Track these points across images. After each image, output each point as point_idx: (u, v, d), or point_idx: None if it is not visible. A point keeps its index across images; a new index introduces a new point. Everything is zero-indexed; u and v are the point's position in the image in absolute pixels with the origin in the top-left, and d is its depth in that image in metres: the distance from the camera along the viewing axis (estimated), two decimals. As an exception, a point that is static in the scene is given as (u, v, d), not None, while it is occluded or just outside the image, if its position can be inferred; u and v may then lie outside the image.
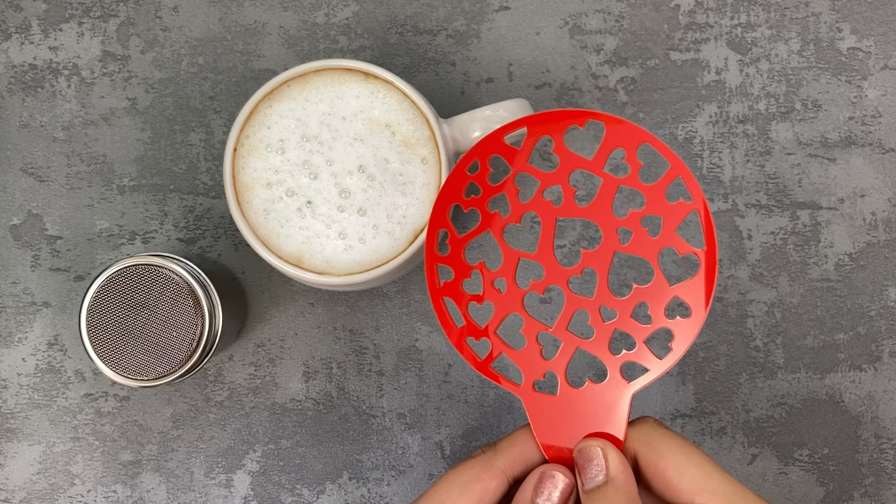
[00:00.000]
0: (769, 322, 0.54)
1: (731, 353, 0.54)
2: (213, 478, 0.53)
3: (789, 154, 0.54)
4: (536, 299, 0.52)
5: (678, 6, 0.54)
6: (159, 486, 0.53)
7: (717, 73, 0.54)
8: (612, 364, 0.37)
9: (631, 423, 0.37)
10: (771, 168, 0.54)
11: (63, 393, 0.53)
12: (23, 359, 0.53)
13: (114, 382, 0.53)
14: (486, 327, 0.38)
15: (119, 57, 0.53)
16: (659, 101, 0.54)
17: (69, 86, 0.53)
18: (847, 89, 0.54)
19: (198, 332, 0.45)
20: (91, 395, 0.53)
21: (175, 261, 0.45)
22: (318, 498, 0.53)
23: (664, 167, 0.38)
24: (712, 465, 0.35)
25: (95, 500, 0.53)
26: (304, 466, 0.53)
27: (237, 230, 0.53)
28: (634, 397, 0.53)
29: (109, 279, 0.45)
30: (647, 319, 0.37)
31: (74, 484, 0.53)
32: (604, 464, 0.35)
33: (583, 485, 0.36)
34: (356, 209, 0.45)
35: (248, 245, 0.52)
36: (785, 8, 0.54)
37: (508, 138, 0.39)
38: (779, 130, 0.54)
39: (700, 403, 0.54)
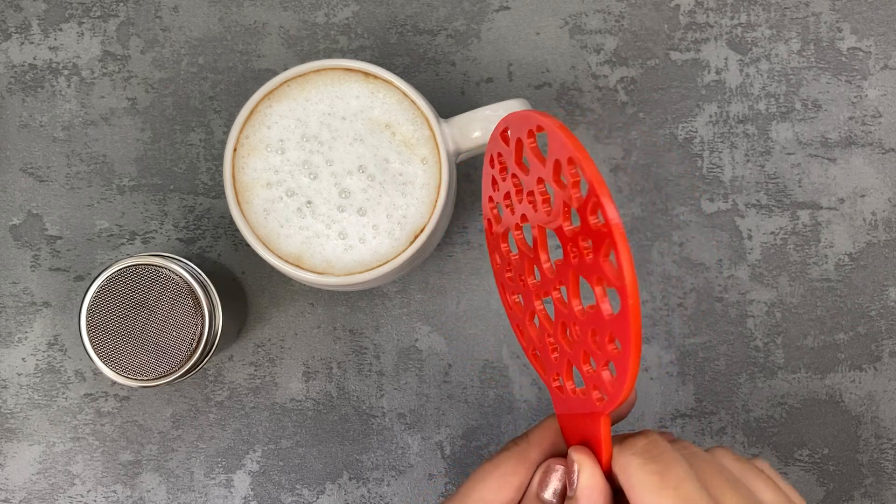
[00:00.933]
0: (769, 322, 0.54)
1: (731, 353, 0.54)
2: (213, 478, 0.53)
3: (789, 154, 0.54)
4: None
5: (678, 6, 0.54)
6: (159, 486, 0.53)
7: (718, 73, 0.54)
8: (588, 380, 0.35)
9: (626, 441, 0.35)
10: (771, 168, 0.54)
11: (63, 393, 0.53)
12: (23, 359, 0.53)
13: (114, 382, 0.53)
14: (527, 317, 0.39)
15: (119, 57, 0.53)
16: (659, 101, 0.54)
17: (69, 86, 0.53)
18: (847, 89, 0.54)
19: (198, 332, 0.45)
20: (91, 395, 0.53)
21: (175, 261, 0.45)
22: (318, 498, 0.53)
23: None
24: None
25: (95, 500, 0.53)
26: (304, 466, 0.53)
27: (237, 230, 0.53)
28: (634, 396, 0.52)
29: (109, 279, 0.45)
30: (597, 345, 0.34)
31: (74, 484, 0.53)
32: (575, 479, 0.35)
33: (569, 488, 0.35)
34: (356, 209, 0.45)
35: (248, 245, 0.52)
36: (785, 8, 0.54)
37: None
38: (779, 130, 0.54)
39: (700, 403, 0.54)
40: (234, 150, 0.45)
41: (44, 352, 0.53)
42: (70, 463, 0.53)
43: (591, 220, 0.32)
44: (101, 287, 0.45)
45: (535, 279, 0.38)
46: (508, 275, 0.40)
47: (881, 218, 0.54)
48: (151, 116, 0.53)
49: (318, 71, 0.46)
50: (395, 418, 0.53)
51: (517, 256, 0.39)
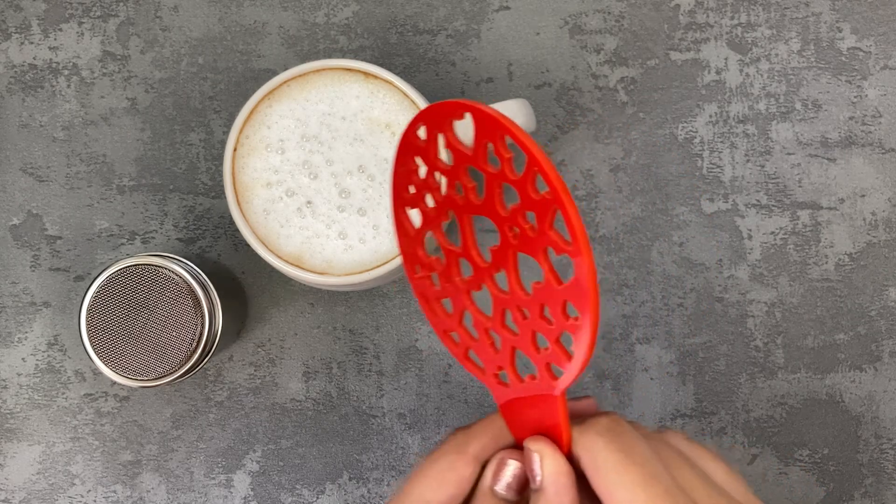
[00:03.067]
0: (769, 322, 0.54)
1: (731, 353, 0.54)
2: (213, 478, 0.53)
3: (789, 154, 0.54)
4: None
5: (678, 6, 0.54)
6: (159, 486, 0.53)
7: (718, 72, 0.54)
8: (539, 362, 0.35)
9: (587, 423, 0.34)
10: (771, 168, 0.54)
11: (63, 393, 0.53)
12: (22, 359, 0.53)
13: (114, 382, 0.53)
14: (455, 320, 0.38)
15: (119, 57, 0.53)
16: (659, 101, 0.54)
17: (69, 86, 0.53)
18: (847, 89, 0.54)
19: (198, 332, 0.45)
20: (91, 395, 0.53)
21: (175, 261, 0.45)
22: (318, 498, 0.53)
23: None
24: (647, 490, 0.32)
25: (95, 500, 0.53)
26: (304, 466, 0.53)
27: (237, 230, 0.53)
28: (632, 394, 0.53)
29: (109, 279, 0.45)
30: (549, 320, 0.34)
31: (74, 484, 0.53)
32: (539, 470, 0.34)
33: (533, 482, 0.35)
34: (356, 209, 0.45)
35: (248, 245, 0.52)
36: (785, 8, 0.54)
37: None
38: (779, 130, 0.54)
39: (700, 403, 0.54)
40: (234, 150, 0.45)
41: (44, 352, 0.53)
42: (70, 463, 0.53)
43: (532, 192, 0.32)
44: (101, 287, 0.45)
45: (462, 276, 0.37)
46: (430, 281, 0.38)
47: (881, 218, 0.54)
48: (151, 116, 0.53)
49: (318, 71, 0.46)
50: (395, 418, 0.53)
51: (437, 259, 0.38)
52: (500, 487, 0.35)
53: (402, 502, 0.36)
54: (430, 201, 0.37)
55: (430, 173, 0.36)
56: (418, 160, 0.37)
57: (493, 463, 0.36)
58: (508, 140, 0.33)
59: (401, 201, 0.38)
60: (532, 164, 0.32)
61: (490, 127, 0.33)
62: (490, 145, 0.33)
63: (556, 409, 0.34)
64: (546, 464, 0.34)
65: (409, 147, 0.37)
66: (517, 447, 0.36)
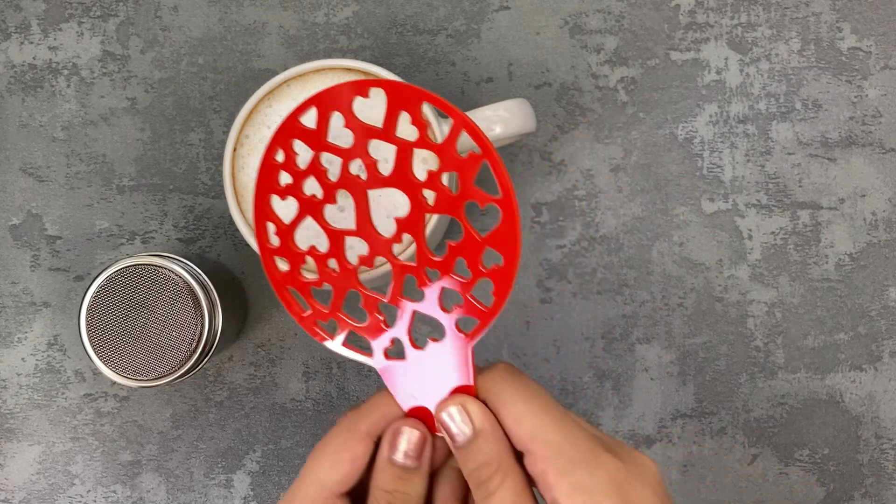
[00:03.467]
0: (769, 322, 0.54)
1: (731, 353, 0.54)
2: (213, 478, 0.53)
3: (790, 154, 0.54)
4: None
5: (678, 6, 0.54)
6: (159, 486, 0.53)
7: (718, 72, 0.54)
8: (447, 321, 0.38)
9: (483, 371, 0.37)
10: (771, 168, 0.54)
11: (63, 393, 0.53)
12: (22, 359, 0.53)
13: (113, 382, 0.53)
14: (332, 308, 0.39)
15: (119, 57, 0.53)
16: (659, 100, 0.54)
17: (69, 86, 0.53)
18: (847, 89, 0.54)
19: (198, 332, 0.45)
20: (91, 395, 0.53)
21: (175, 261, 0.45)
22: (318, 498, 0.53)
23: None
24: (552, 414, 0.35)
25: (95, 500, 0.53)
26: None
27: (237, 230, 0.53)
28: (631, 391, 0.53)
29: (109, 279, 0.45)
30: (466, 273, 0.37)
31: (74, 484, 0.53)
32: (468, 418, 0.36)
33: (454, 443, 0.36)
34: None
35: (248, 245, 0.52)
36: (785, 8, 0.54)
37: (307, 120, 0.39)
38: (779, 130, 0.54)
39: (700, 403, 0.54)
40: (234, 150, 0.45)
41: (43, 352, 0.53)
42: (70, 463, 0.53)
43: (456, 153, 0.36)
44: (101, 287, 0.45)
45: (349, 262, 0.39)
46: (298, 273, 0.40)
47: (881, 218, 0.54)
48: (151, 116, 0.53)
49: (318, 71, 0.46)
50: (395, 418, 0.53)
51: (312, 248, 0.39)
52: (399, 456, 0.37)
53: (299, 486, 0.38)
54: (310, 188, 0.39)
55: (316, 158, 0.38)
56: (298, 146, 0.38)
57: (387, 435, 0.37)
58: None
59: (267, 193, 0.39)
60: (458, 125, 0.36)
61: (406, 97, 0.37)
62: (406, 115, 0.37)
63: (465, 361, 0.37)
64: (473, 410, 0.36)
65: (288, 133, 0.38)
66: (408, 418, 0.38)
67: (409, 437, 0.37)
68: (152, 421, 0.53)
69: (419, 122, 0.37)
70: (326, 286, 0.39)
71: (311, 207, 0.39)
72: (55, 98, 0.53)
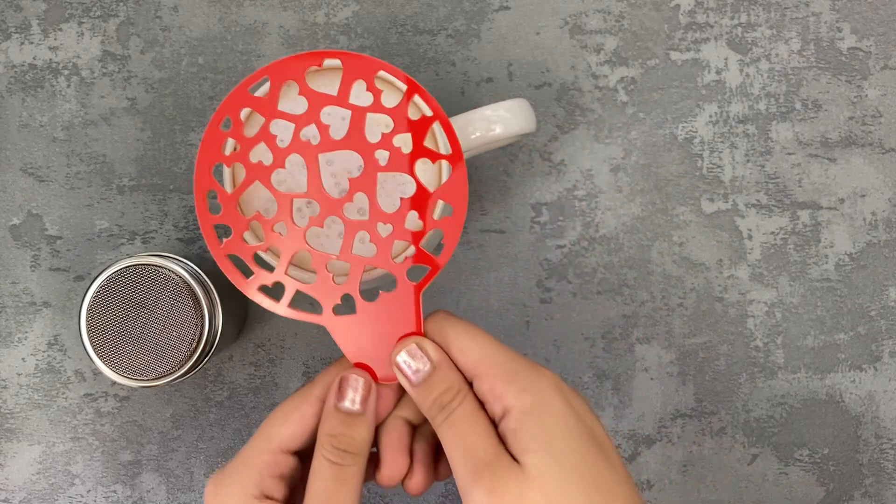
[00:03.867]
0: (769, 322, 0.54)
1: (731, 353, 0.54)
2: (213, 478, 0.53)
3: (789, 154, 0.54)
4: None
5: (678, 6, 0.54)
6: (159, 486, 0.53)
7: (718, 72, 0.54)
8: (398, 272, 0.41)
9: (428, 316, 0.41)
10: (771, 168, 0.54)
11: (63, 393, 0.53)
12: (23, 359, 0.53)
13: (114, 382, 0.53)
14: (276, 271, 0.41)
15: (119, 57, 0.53)
16: (659, 100, 0.54)
17: (69, 86, 0.53)
18: (847, 89, 0.54)
19: (198, 332, 0.45)
20: (91, 395, 0.53)
21: (175, 261, 0.45)
22: (318, 498, 0.53)
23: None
24: (492, 342, 0.39)
25: (95, 500, 0.53)
26: (304, 466, 0.53)
27: (237, 230, 0.53)
28: (632, 394, 0.53)
29: (109, 279, 0.45)
30: (418, 225, 0.41)
31: (74, 484, 0.53)
32: (424, 356, 0.39)
33: (411, 383, 0.39)
34: (356, 209, 0.45)
35: (248, 245, 0.52)
36: (785, 8, 0.54)
37: (256, 90, 0.42)
38: (779, 130, 0.54)
39: (700, 403, 0.54)
40: (234, 149, 0.45)
41: (44, 352, 0.53)
42: (70, 463, 0.53)
43: (408, 116, 0.41)
44: (101, 287, 0.45)
45: (296, 223, 0.41)
46: (251, 239, 0.42)
47: (881, 218, 0.54)
48: (151, 116, 0.53)
49: (318, 71, 0.46)
50: (395, 418, 0.53)
51: (260, 215, 0.41)
52: (345, 402, 0.39)
53: (249, 442, 0.41)
54: (257, 156, 0.41)
55: (265, 125, 0.41)
56: (246, 114, 0.42)
57: (333, 385, 0.40)
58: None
59: (210, 161, 0.41)
60: (411, 90, 0.41)
61: (362, 67, 0.41)
62: (362, 83, 0.41)
63: (414, 309, 0.40)
64: (428, 346, 0.40)
65: (237, 102, 0.41)
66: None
67: (353, 385, 0.40)
68: (152, 421, 0.53)
69: (374, 90, 0.41)
70: (273, 249, 0.41)
71: (259, 173, 0.41)
72: (55, 98, 0.53)
